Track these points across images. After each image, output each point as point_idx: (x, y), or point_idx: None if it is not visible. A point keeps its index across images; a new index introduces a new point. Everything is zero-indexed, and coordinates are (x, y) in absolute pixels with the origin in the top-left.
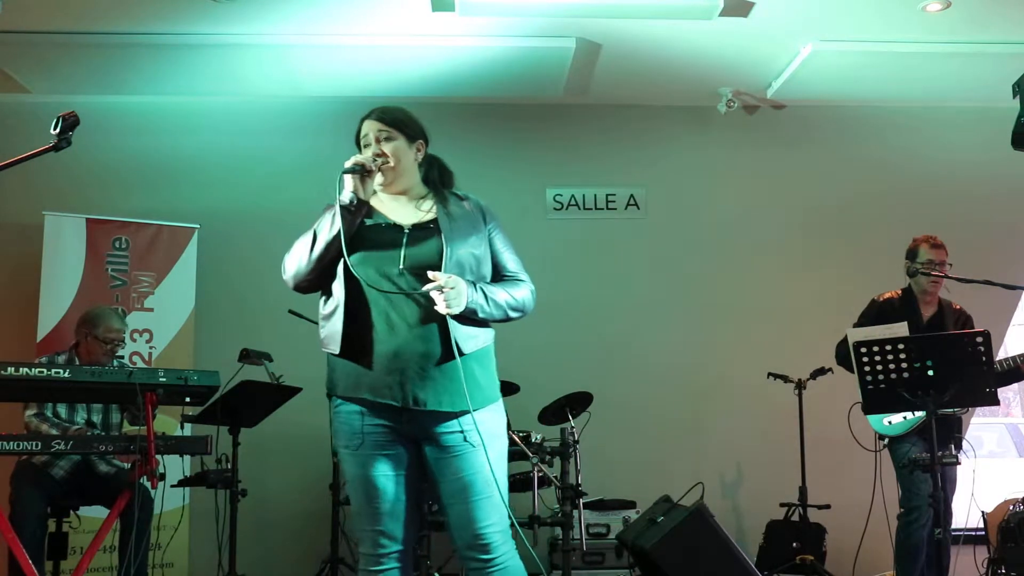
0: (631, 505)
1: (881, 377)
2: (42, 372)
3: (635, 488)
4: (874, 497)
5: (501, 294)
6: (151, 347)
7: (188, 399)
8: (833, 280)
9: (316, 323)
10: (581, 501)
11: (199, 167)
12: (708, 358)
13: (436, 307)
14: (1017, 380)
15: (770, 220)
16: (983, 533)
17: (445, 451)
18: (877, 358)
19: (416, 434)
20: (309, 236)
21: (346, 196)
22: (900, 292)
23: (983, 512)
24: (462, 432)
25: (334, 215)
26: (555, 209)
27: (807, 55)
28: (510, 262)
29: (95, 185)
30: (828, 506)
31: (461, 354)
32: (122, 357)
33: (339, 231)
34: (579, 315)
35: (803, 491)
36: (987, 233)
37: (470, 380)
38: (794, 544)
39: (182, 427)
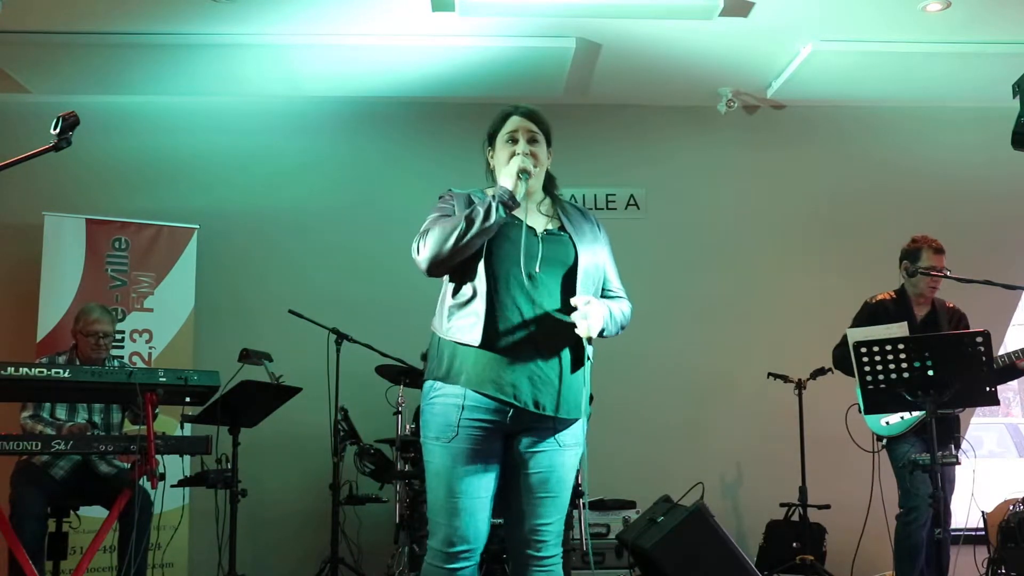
0: (631, 505)
1: (881, 377)
2: (42, 372)
3: (635, 488)
4: (872, 497)
5: (618, 311)
6: (151, 347)
7: (188, 399)
8: (833, 280)
9: (316, 323)
10: (581, 501)
11: (199, 167)
12: (708, 358)
13: (577, 330)
14: (1013, 378)
15: (770, 220)
16: (983, 533)
17: (535, 444)
18: (877, 358)
19: (515, 429)
20: (457, 220)
21: (507, 195)
22: (893, 293)
23: (983, 512)
24: (555, 431)
25: (488, 208)
26: None
27: (807, 55)
28: (614, 279)
29: (95, 185)
30: (828, 506)
31: (581, 366)
32: (121, 357)
33: (494, 223)
34: None
35: (803, 491)
36: (987, 233)
37: (584, 389)
38: (794, 544)
39: (182, 427)
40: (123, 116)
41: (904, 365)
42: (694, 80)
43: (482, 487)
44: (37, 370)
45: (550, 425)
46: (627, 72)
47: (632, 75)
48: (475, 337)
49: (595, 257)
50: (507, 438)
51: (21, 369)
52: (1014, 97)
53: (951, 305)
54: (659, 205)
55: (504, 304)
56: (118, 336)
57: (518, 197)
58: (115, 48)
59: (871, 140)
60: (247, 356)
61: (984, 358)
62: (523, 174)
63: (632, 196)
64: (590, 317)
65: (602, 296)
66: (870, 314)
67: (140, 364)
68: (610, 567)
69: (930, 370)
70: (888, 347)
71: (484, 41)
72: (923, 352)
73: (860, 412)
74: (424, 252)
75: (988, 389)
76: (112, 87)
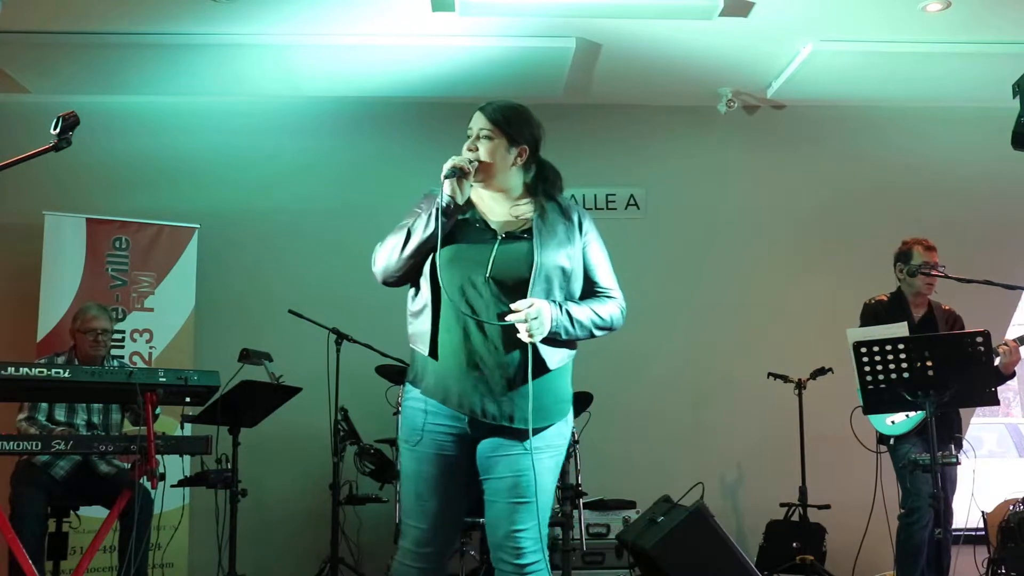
0: (631, 505)
1: (881, 377)
2: (42, 372)
3: (635, 488)
4: (875, 497)
5: (586, 313)
6: (151, 347)
7: (188, 399)
8: (833, 280)
9: (316, 323)
10: (581, 501)
11: (199, 167)
12: (708, 358)
13: (519, 335)
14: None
15: (770, 220)
16: (983, 533)
17: (500, 448)
18: (877, 358)
19: (478, 435)
20: (402, 233)
21: (445, 198)
22: (888, 296)
23: (983, 512)
24: (521, 436)
25: (429, 215)
26: None
27: (807, 55)
28: (602, 277)
29: (95, 185)
30: (828, 506)
31: (544, 372)
32: (122, 356)
33: (433, 232)
34: None
35: (803, 491)
36: (987, 233)
37: (550, 394)
38: (794, 544)
39: (182, 427)
40: (123, 116)
41: (904, 365)
42: (694, 80)
43: (450, 491)
44: (37, 370)
45: (513, 431)
46: (627, 72)
47: (632, 75)
48: (424, 346)
49: (559, 259)
50: (475, 443)
51: (21, 369)
52: (1014, 97)
53: (947, 308)
54: (659, 205)
55: (451, 312)
56: (118, 336)
57: (458, 199)
58: (115, 48)
59: (871, 140)
60: (247, 356)
61: (984, 358)
62: (453, 170)
63: (632, 196)
64: (531, 320)
65: (591, 295)
66: (873, 314)
67: (140, 364)
68: (610, 567)
69: (930, 370)
70: (888, 347)
71: (484, 41)
72: (923, 352)
73: (863, 412)
74: (376, 266)
75: (988, 389)
76: (112, 87)
